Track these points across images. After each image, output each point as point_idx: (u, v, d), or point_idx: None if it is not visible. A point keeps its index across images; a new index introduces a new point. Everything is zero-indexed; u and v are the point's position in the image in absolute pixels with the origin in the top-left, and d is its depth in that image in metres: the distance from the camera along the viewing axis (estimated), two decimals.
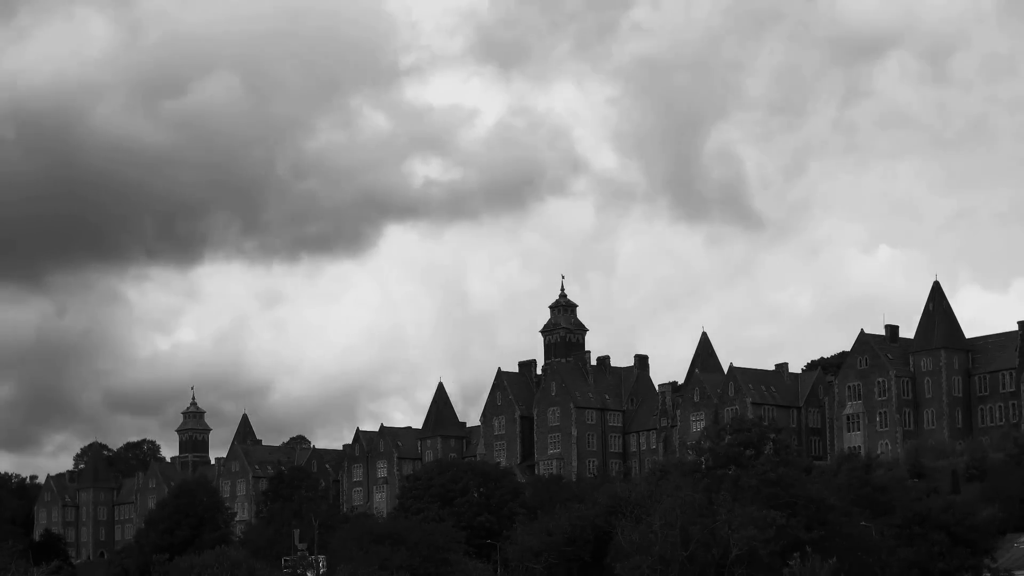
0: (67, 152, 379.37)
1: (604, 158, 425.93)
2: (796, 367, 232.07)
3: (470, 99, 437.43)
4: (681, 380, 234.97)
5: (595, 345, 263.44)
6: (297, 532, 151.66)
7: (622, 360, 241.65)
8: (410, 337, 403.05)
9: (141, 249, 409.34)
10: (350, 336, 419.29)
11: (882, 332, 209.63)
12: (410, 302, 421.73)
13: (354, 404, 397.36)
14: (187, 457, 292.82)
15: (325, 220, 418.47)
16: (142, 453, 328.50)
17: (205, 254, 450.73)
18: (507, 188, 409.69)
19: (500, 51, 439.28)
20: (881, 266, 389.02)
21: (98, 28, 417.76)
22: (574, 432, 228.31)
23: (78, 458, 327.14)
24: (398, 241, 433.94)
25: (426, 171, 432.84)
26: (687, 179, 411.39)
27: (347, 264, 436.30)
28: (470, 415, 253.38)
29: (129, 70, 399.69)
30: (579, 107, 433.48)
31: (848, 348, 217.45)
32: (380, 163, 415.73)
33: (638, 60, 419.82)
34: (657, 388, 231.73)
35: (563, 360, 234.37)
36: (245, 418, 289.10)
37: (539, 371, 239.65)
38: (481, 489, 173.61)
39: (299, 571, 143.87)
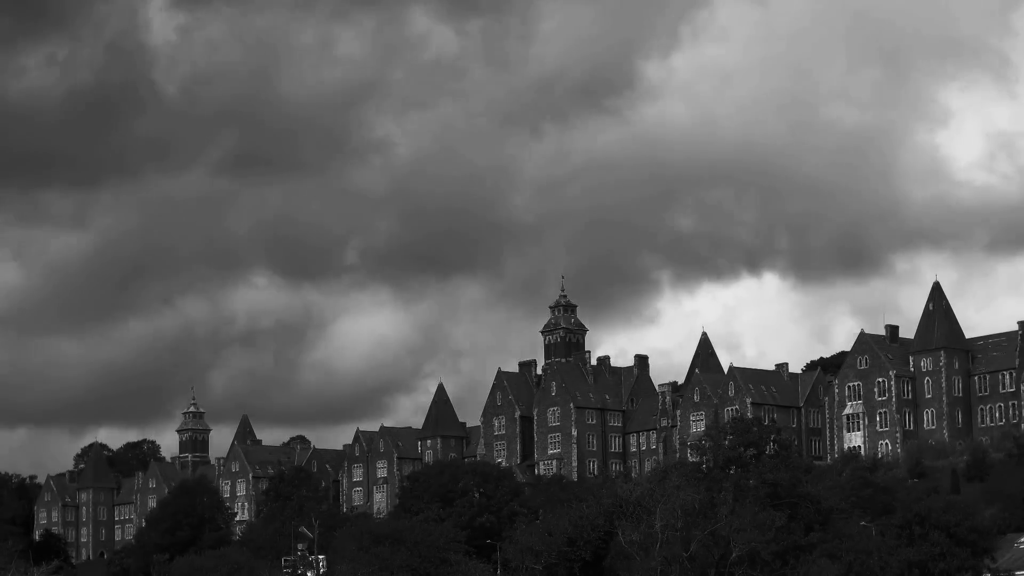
0: None
1: None
2: (796, 367, 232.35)
3: None
4: (681, 380, 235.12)
5: None
6: (301, 531, 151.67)
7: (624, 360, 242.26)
8: None
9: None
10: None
11: (882, 332, 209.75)
12: None
13: None
14: (187, 457, 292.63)
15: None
16: (142, 453, 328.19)
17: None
18: None
19: None
20: None
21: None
22: (574, 432, 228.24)
23: (78, 458, 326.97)
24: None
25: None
26: None
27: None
28: (469, 415, 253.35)
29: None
30: None
31: (848, 348, 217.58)
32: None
33: None
34: (657, 388, 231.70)
35: (563, 360, 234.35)
36: (245, 419, 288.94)
37: (539, 371, 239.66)
38: (481, 489, 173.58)
39: (299, 571, 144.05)
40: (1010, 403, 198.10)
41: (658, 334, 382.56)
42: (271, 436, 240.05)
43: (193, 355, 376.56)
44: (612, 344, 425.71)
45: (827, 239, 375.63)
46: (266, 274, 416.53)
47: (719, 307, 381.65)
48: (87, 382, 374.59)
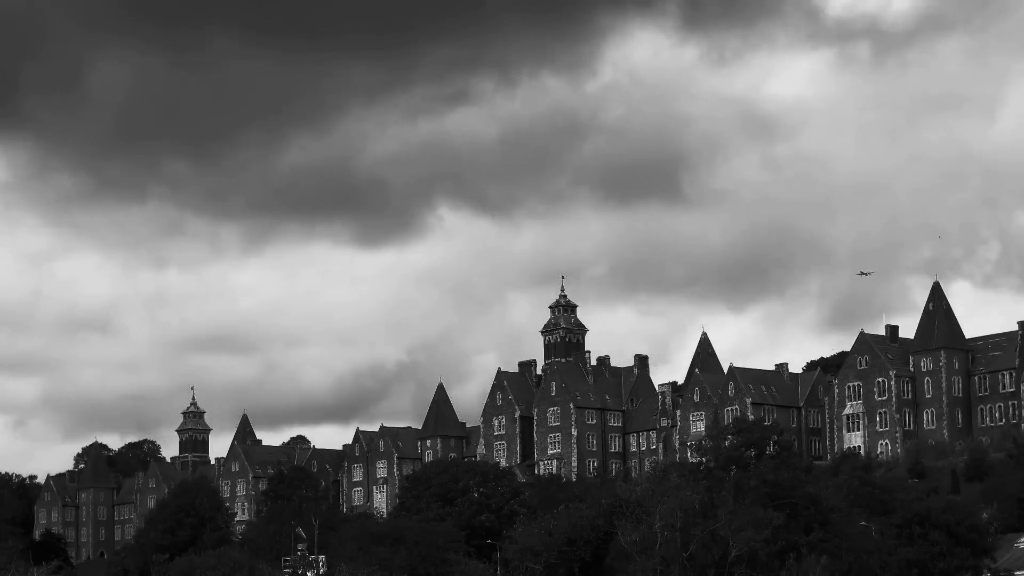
0: None
1: None
2: (796, 367, 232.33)
3: None
4: (681, 380, 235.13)
5: None
6: (299, 531, 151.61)
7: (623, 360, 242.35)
8: None
9: None
10: None
11: (882, 332, 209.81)
12: None
13: None
14: (187, 457, 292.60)
15: None
16: (142, 453, 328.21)
17: None
18: None
19: None
20: None
21: None
22: (574, 432, 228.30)
23: (78, 458, 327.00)
24: None
25: None
26: None
27: None
28: (470, 415, 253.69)
29: None
30: None
31: (848, 348, 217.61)
32: None
33: None
34: (657, 388, 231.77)
35: (563, 360, 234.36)
36: (245, 418, 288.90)
37: (539, 371, 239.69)
38: (481, 489, 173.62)
39: (299, 571, 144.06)
40: (1010, 403, 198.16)
41: None
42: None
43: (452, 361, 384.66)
44: None
45: None
46: (601, 288, 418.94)
47: None
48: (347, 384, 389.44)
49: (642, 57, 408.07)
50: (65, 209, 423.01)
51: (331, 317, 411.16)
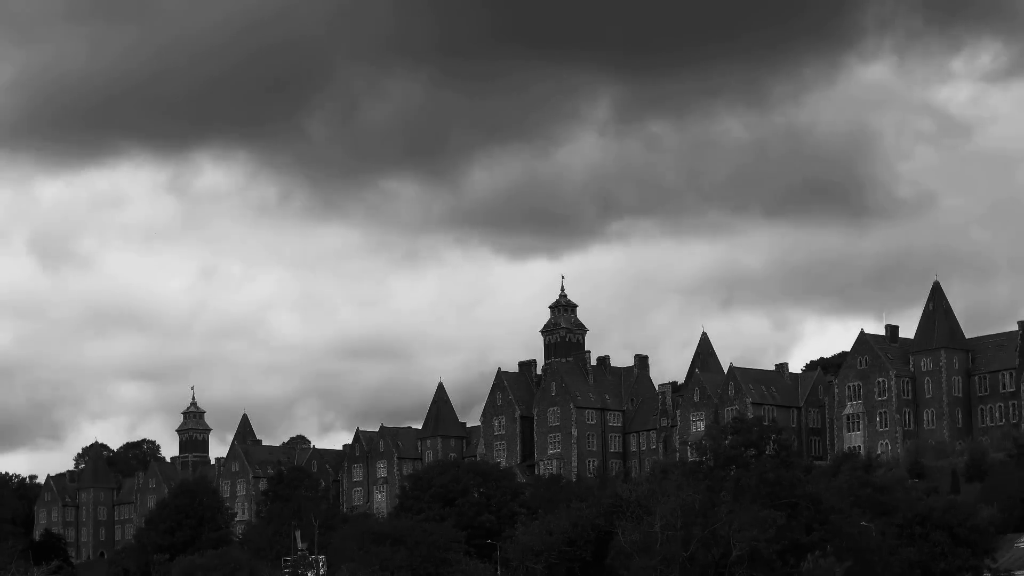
0: None
1: None
2: (796, 367, 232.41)
3: None
4: (681, 380, 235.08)
5: None
6: (298, 532, 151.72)
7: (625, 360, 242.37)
8: None
9: None
10: None
11: (882, 332, 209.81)
12: None
13: None
14: (187, 457, 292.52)
15: None
16: (142, 453, 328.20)
17: None
18: None
19: None
20: None
21: None
22: (574, 432, 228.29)
23: (78, 458, 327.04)
24: None
25: None
26: None
27: None
28: (470, 415, 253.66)
29: None
30: None
31: (848, 348, 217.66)
32: None
33: None
34: (657, 388, 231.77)
35: (563, 360, 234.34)
36: (245, 418, 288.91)
37: (539, 371, 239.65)
38: (481, 489, 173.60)
39: (299, 571, 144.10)
40: (1010, 403, 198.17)
41: None
42: None
43: None
44: None
45: None
46: (748, 298, 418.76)
47: None
48: None
49: (845, 69, 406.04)
50: (260, 222, 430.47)
51: (480, 325, 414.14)
